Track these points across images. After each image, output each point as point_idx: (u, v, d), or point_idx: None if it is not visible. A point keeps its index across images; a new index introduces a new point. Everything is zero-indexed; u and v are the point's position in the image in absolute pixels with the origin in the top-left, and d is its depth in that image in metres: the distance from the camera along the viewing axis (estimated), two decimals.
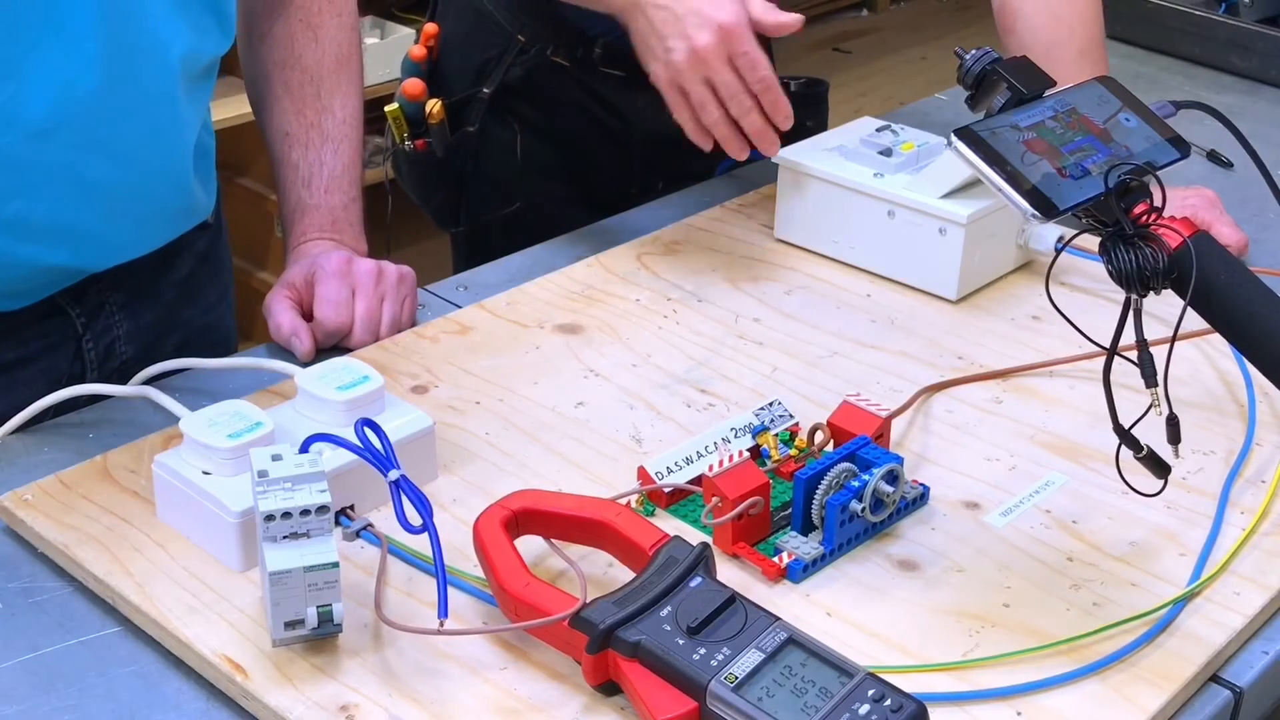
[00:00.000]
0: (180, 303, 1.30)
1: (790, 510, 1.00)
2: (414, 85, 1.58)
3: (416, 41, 1.65)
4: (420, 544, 0.92)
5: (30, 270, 1.14)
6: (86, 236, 1.15)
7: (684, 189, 1.57)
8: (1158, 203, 0.88)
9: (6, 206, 1.08)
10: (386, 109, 1.61)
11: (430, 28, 1.64)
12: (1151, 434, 0.91)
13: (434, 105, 1.58)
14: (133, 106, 1.10)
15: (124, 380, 1.16)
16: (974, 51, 0.97)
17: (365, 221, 1.34)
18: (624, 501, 0.96)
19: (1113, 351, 0.89)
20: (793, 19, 1.25)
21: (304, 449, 0.94)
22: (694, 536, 0.97)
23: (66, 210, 1.11)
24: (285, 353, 1.22)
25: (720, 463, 0.98)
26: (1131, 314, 0.88)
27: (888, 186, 1.32)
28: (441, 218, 1.73)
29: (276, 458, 0.90)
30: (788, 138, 1.56)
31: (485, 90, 1.60)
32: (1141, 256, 0.87)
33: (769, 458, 1.05)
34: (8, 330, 1.18)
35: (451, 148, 1.61)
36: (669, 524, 1.01)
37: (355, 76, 1.34)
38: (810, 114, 1.77)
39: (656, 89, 1.64)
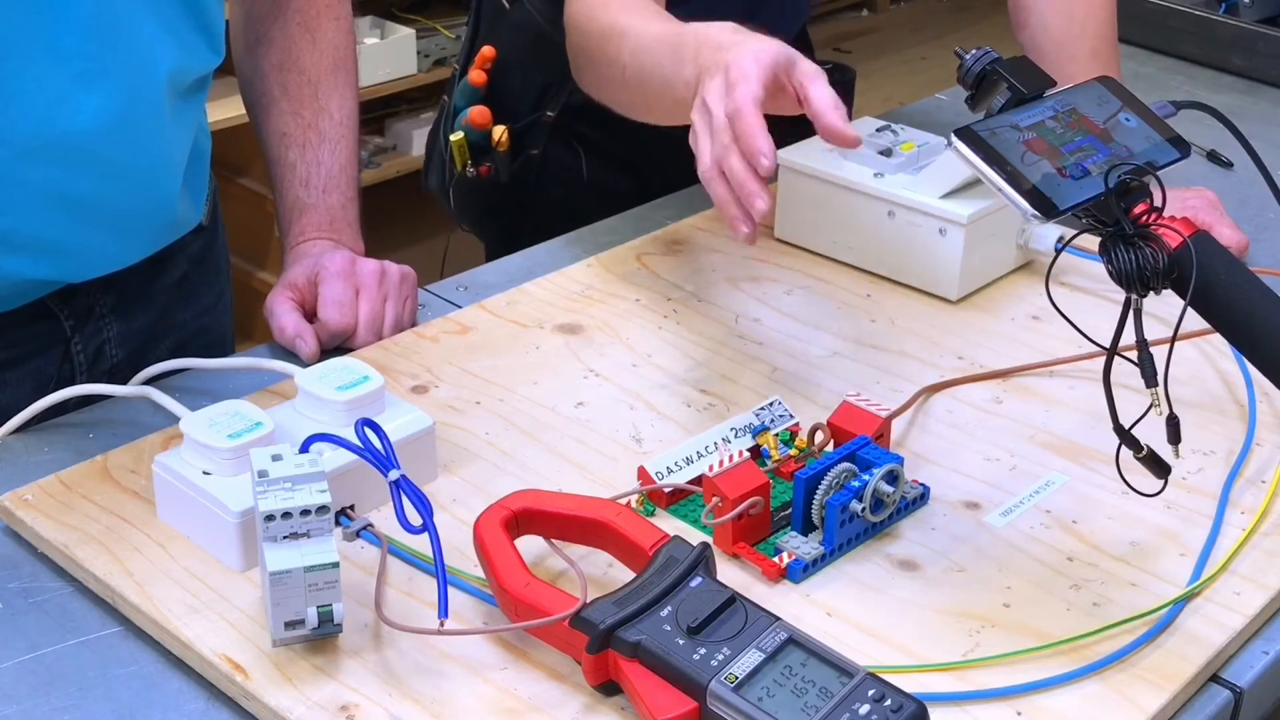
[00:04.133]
0: (174, 306, 1.30)
1: (790, 510, 1.00)
2: (481, 114, 1.56)
3: (470, 65, 1.63)
4: (420, 544, 0.92)
5: (13, 282, 1.14)
6: (70, 251, 1.15)
7: (684, 189, 1.57)
8: (1158, 203, 0.88)
9: None
10: (451, 138, 1.59)
11: (487, 51, 1.61)
12: (1151, 434, 0.91)
13: (501, 133, 1.56)
14: (120, 125, 1.11)
15: (114, 383, 1.16)
16: (974, 51, 0.97)
17: (363, 221, 1.34)
18: (624, 501, 0.96)
19: (1113, 351, 0.89)
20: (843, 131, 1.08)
21: (304, 449, 0.94)
22: (694, 536, 0.97)
23: (51, 226, 1.11)
24: (285, 353, 1.22)
25: (720, 463, 0.98)
26: (1131, 314, 0.88)
27: (888, 186, 1.32)
28: (501, 244, 1.72)
29: (276, 458, 0.90)
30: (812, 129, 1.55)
31: (549, 114, 1.58)
32: (1141, 256, 0.87)
33: (769, 458, 1.05)
34: None
35: (515, 173, 1.60)
36: (669, 524, 1.01)
37: (351, 79, 1.35)
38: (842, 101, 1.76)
39: None
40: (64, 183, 1.10)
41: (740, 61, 1.08)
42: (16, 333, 1.19)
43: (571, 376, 1.19)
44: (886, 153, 1.35)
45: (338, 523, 0.95)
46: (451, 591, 0.88)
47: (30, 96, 1.05)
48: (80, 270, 1.18)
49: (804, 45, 1.76)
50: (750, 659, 0.83)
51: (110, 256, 1.19)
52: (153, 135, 1.15)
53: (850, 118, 1.73)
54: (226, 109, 2.41)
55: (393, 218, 2.72)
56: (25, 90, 1.05)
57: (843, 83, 1.77)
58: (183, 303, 1.31)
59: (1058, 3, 1.46)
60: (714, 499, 0.98)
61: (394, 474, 0.93)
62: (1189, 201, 1.40)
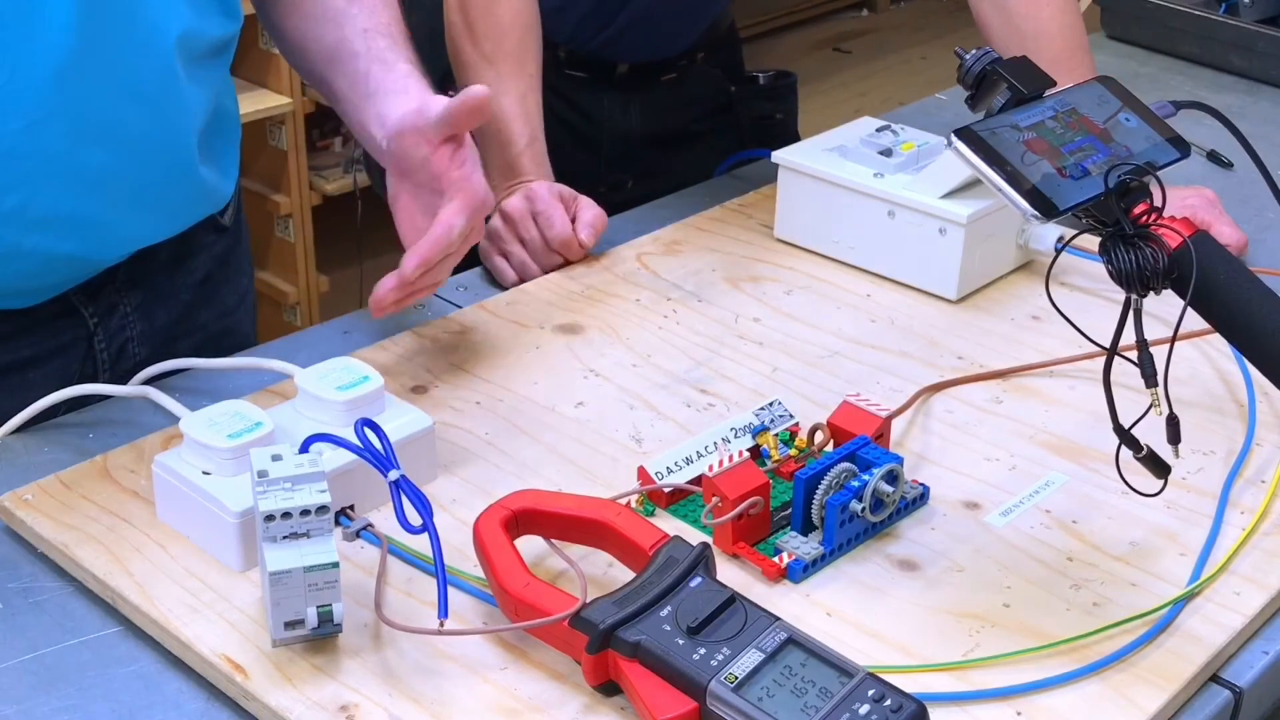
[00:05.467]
0: (197, 305, 1.29)
1: (790, 510, 1.00)
2: None
3: None
4: (420, 544, 0.92)
5: (39, 263, 1.13)
6: (91, 225, 1.13)
7: (676, 183, 1.58)
8: (1158, 203, 0.88)
9: (6, 198, 1.08)
10: None
11: None
12: (1151, 434, 0.91)
13: None
14: (126, 91, 1.09)
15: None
16: (974, 51, 0.97)
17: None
18: (624, 501, 0.96)
19: (1113, 351, 0.89)
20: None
21: (304, 449, 0.94)
22: (694, 536, 0.97)
23: (67, 199, 1.10)
24: (285, 353, 1.22)
25: (720, 463, 0.98)
26: (1131, 314, 0.88)
27: (888, 186, 1.32)
28: None
29: (276, 458, 0.90)
30: (761, 131, 1.57)
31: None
32: (1141, 256, 0.87)
33: (769, 458, 1.05)
34: (21, 329, 1.17)
35: None
36: (669, 524, 1.01)
37: None
38: (779, 106, 1.78)
39: (622, 90, 1.65)
40: (74, 153, 1.08)
41: (540, 191, 1.38)
42: (41, 330, 1.18)
43: (571, 376, 1.19)
44: (886, 153, 1.35)
45: (338, 523, 0.95)
46: (451, 591, 0.88)
47: (33, 66, 1.04)
48: (104, 246, 1.17)
49: (731, 38, 1.76)
50: (750, 659, 0.83)
51: (133, 231, 1.18)
52: (164, 102, 1.13)
53: (795, 118, 1.75)
54: None
55: (364, 225, 2.77)
56: (27, 60, 1.04)
57: (784, 86, 1.78)
58: (205, 303, 1.30)
59: (1006, 21, 1.47)
60: (714, 499, 0.98)
61: (394, 474, 0.93)
62: (1188, 200, 1.40)
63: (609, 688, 0.87)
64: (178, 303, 1.27)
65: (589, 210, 1.39)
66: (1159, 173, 0.89)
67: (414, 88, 1.20)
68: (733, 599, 0.86)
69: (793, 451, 1.06)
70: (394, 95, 1.20)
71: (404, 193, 1.20)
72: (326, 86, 1.27)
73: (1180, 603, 0.94)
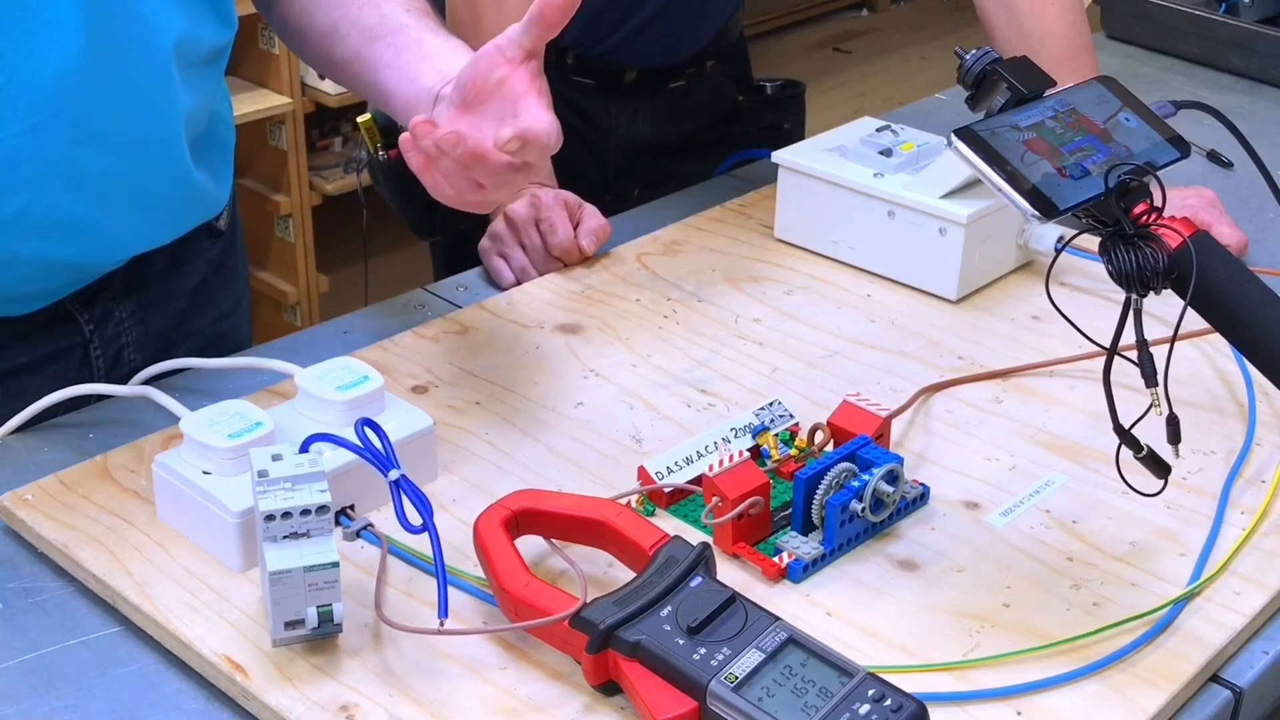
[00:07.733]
0: (192, 311, 1.29)
1: (790, 510, 1.00)
2: None
3: None
4: (420, 544, 0.92)
5: (36, 269, 1.13)
6: (89, 230, 1.14)
7: (680, 190, 1.58)
8: (1158, 203, 0.88)
9: (5, 204, 1.08)
10: (359, 120, 1.59)
11: None
12: (1151, 434, 0.91)
13: None
14: (125, 96, 1.10)
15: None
16: (974, 51, 0.97)
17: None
18: (624, 501, 0.96)
19: (1113, 351, 0.89)
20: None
21: (304, 449, 0.94)
22: (694, 536, 0.97)
23: (66, 204, 1.10)
24: (285, 353, 1.22)
25: (720, 463, 0.98)
26: (1131, 314, 0.88)
27: (888, 186, 1.32)
28: (418, 228, 1.72)
29: (276, 457, 0.90)
30: (768, 141, 1.56)
31: None
32: (1141, 256, 0.87)
33: (769, 458, 1.05)
34: (16, 336, 1.17)
35: None
36: (669, 524, 1.01)
37: None
38: (786, 116, 1.78)
39: (629, 97, 1.65)
40: (73, 157, 1.08)
41: (545, 198, 1.38)
42: (37, 337, 1.18)
43: (571, 376, 1.19)
44: (886, 153, 1.35)
45: (338, 523, 0.95)
46: (451, 591, 0.88)
47: (32, 70, 1.04)
48: (102, 252, 1.17)
49: (741, 47, 1.76)
50: (750, 659, 0.83)
51: (130, 236, 1.18)
52: (161, 107, 1.13)
53: (802, 128, 1.74)
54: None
55: (370, 227, 2.76)
56: (27, 64, 1.04)
57: (792, 96, 1.78)
58: (200, 308, 1.30)
59: (1011, 22, 1.47)
60: (714, 499, 0.98)
61: (394, 474, 0.93)
62: (1188, 201, 1.40)
63: (609, 688, 0.87)
64: (173, 308, 1.27)
65: (593, 219, 1.39)
66: (1159, 173, 0.89)
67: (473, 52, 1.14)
68: (733, 599, 0.86)
69: (793, 451, 1.06)
70: (455, 52, 1.16)
71: (462, 124, 1.09)
72: (360, 63, 1.22)
73: (1180, 603, 0.94)
